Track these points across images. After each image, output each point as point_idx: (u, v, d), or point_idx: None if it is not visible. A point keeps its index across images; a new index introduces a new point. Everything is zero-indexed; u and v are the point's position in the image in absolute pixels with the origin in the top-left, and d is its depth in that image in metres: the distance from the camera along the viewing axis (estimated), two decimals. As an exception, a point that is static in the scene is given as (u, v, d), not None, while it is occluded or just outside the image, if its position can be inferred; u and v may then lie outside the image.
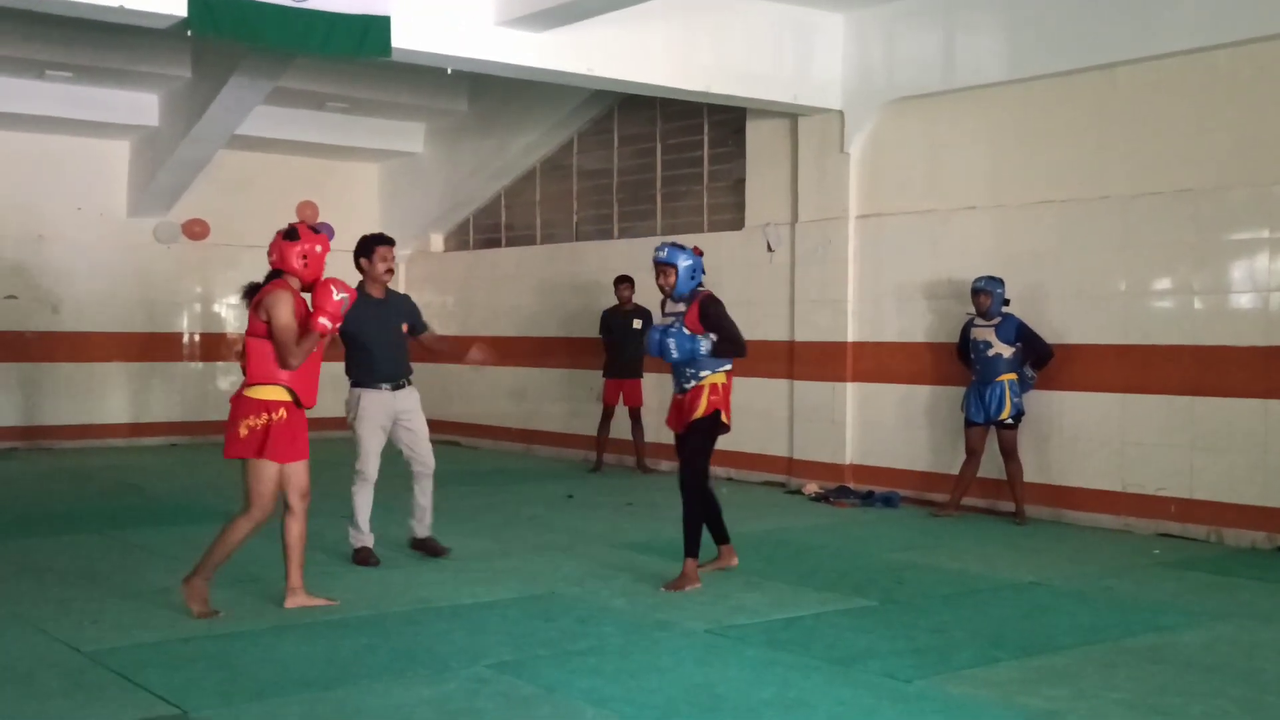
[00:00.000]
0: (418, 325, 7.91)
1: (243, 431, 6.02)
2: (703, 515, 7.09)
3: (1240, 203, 8.55)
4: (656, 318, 7.57)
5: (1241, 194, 8.54)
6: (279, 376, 6.07)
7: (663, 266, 6.98)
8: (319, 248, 6.16)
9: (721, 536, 7.37)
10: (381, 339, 7.61)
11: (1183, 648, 5.83)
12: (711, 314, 6.95)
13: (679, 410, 7.11)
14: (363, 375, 7.63)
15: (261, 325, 6.03)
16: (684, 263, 6.94)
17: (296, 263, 6.11)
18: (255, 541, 8.26)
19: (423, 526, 7.96)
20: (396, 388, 7.69)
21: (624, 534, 8.71)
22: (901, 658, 5.57)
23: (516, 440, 14.73)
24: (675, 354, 6.91)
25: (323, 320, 6.06)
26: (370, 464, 7.63)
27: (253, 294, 6.18)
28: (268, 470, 6.05)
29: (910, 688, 5.12)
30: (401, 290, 16.22)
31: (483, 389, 15.10)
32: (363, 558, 7.64)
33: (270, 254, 6.19)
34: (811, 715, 4.76)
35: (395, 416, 7.69)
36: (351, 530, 7.70)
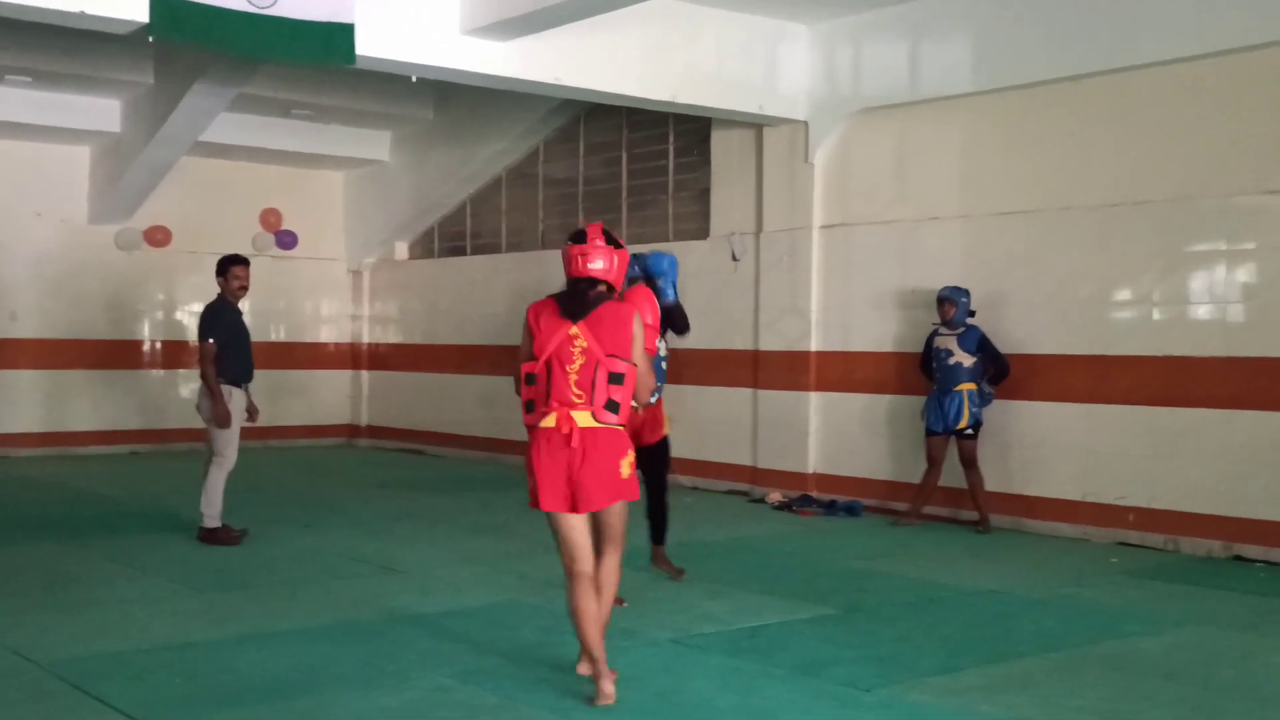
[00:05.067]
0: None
1: (625, 471, 5.06)
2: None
3: (1202, 214, 8.63)
4: None
5: (1203, 205, 8.62)
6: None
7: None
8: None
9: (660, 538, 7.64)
10: (248, 344, 8.77)
11: (1143, 655, 5.88)
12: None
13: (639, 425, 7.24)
14: (236, 375, 8.59)
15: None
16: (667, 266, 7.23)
17: (619, 275, 5.07)
18: (238, 550, 8.25)
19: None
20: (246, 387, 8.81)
21: (588, 543, 8.69)
22: (864, 666, 5.59)
23: (482, 449, 14.68)
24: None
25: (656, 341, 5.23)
26: (235, 451, 8.61)
27: (580, 315, 4.99)
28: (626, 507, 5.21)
29: (872, 696, 5.14)
30: (365, 298, 16.30)
31: (448, 398, 15.05)
32: (221, 536, 8.50)
33: (595, 261, 5.00)
34: (774, 723, 4.77)
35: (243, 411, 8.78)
36: (208, 512, 8.53)
